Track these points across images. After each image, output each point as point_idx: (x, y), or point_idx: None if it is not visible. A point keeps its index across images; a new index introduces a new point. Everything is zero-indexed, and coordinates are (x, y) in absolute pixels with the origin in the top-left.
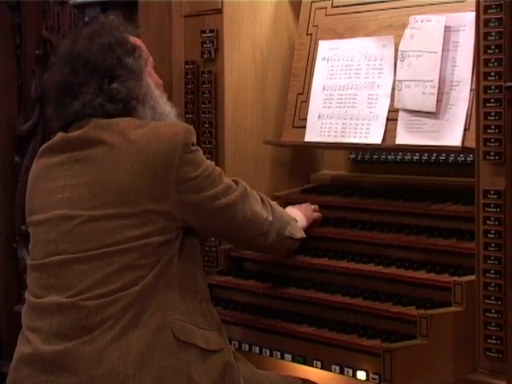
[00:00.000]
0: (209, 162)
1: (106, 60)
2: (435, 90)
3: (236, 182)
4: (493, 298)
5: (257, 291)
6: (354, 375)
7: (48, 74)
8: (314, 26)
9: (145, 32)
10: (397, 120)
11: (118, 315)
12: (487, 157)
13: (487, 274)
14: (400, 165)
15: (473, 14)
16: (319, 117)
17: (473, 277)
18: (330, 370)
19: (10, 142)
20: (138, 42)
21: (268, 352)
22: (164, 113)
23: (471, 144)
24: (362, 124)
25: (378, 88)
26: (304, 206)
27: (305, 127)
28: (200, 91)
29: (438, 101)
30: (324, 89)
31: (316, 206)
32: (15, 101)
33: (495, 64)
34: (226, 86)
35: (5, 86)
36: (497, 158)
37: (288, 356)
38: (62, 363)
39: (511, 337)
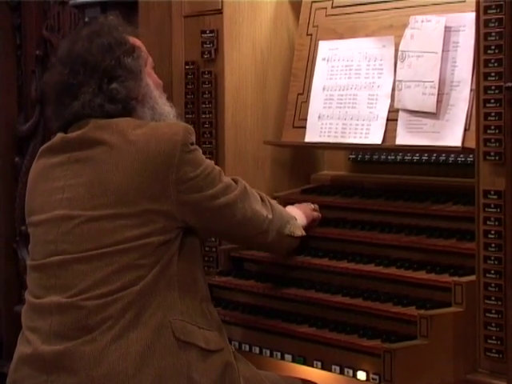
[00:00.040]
0: (208, 161)
1: (106, 60)
2: (435, 91)
3: (235, 181)
4: (493, 298)
5: (257, 291)
6: (355, 375)
7: (47, 75)
8: (314, 26)
9: (145, 32)
10: (397, 120)
11: (118, 315)
12: (487, 157)
13: (487, 275)
14: (400, 165)
15: (473, 15)
16: (319, 117)
17: (473, 277)
18: (331, 371)
19: (10, 142)
20: (137, 42)
21: (268, 352)
22: (163, 113)
23: (471, 144)
24: (362, 124)
25: (378, 88)
26: (304, 205)
27: (305, 127)
28: (200, 91)
29: (438, 101)
30: (324, 89)
31: (316, 206)
32: (15, 101)
33: (495, 64)
34: (226, 86)
35: (5, 86)
36: (497, 158)
37: (288, 356)
38: (62, 363)
39: (511, 337)
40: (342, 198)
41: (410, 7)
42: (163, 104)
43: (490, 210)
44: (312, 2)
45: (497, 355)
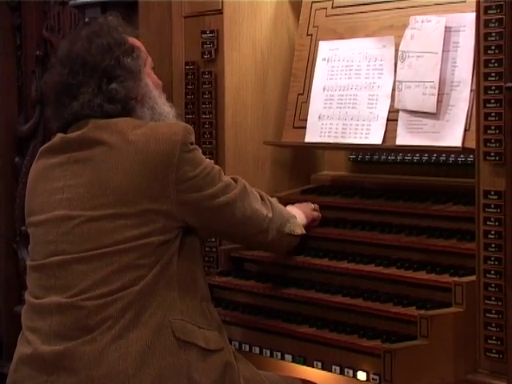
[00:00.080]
0: (207, 160)
1: (105, 60)
2: (435, 91)
3: (235, 180)
4: (493, 298)
5: (257, 292)
6: (355, 376)
7: (47, 75)
8: (314, 26)
9: (145, 32)
10: (397, 120)
11: (118, 315)
12: (487, 157)
13: (487, 275)
14: (400, 165)
15: (473, 15)
16: (319, 117)
17: (473, 277)
18: (331, 371)
19: (10, 142)
20: (136, 42)
21: (268, 352)
22: (163, 113)
23: (471, 145)
24: (363, 124)
25: (378, 88)
26: (304, 204)
27: (305, 128)
28: (200, 92)
29: (439, 101)
30: (324, 89)
31: (316, 206)
32: (15, 101)
33: (495, 65)
34: (226, 86)
35: (5, 86)
36: (497, 158)
37: (288, 356)
38: (62, 363)
39: (511, 337)
40: (343, 199)
41: (410, 7)
42: (162, 104)
43: (490, 210)
44: (312, 2)
45: (497, 355)
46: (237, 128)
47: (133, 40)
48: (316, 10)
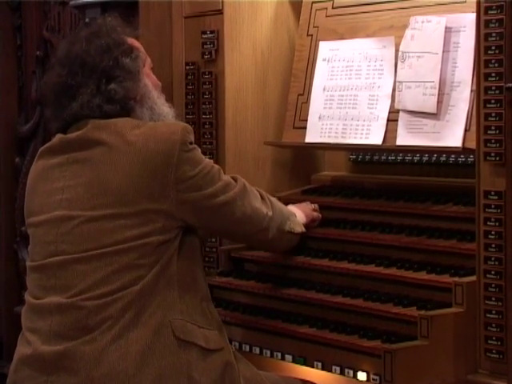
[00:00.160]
0: (207, 159)
1: (104, 61)
2: (436, 91)
3: (235, 179)
4: (493, 298)
5: (257, 292)
6: (355, 376)
7: (46, 77)
8: (314, 26)
9: (145, 33)
10: (397, 121)
11: (118, 315)
12: (488, 158)
13: (488, 275)
14: (400, 166)
15: (473, 15)
16: (320, 118)
17: (473, 278)
18: (331, 371)
19: (10, 142)
20: (135, 43)
21: (268, 353)
22: (162, 113)
23: (472, 145)
24: (363, 125)
25: (378, 89)
26: (304, 204)
27: (305, 128)
28: (200, 92)
29: (439, 102)
30: (324, 90)
31: (316, 206)
32: (16, 102)
33: (496, 65)
34: (226, 86)
35: (5, 86)
36: (497, 158)
37: (288, 357)
38: (62, 364)
39: (511, 338)
40: (343, 199)
41: (411, 8)
42: (162, 104)
43: (490, 210)
44: (312, 2)
45: (497, 356)
46: (237, 128)
47: (132, 40)
48: (316, 10)
